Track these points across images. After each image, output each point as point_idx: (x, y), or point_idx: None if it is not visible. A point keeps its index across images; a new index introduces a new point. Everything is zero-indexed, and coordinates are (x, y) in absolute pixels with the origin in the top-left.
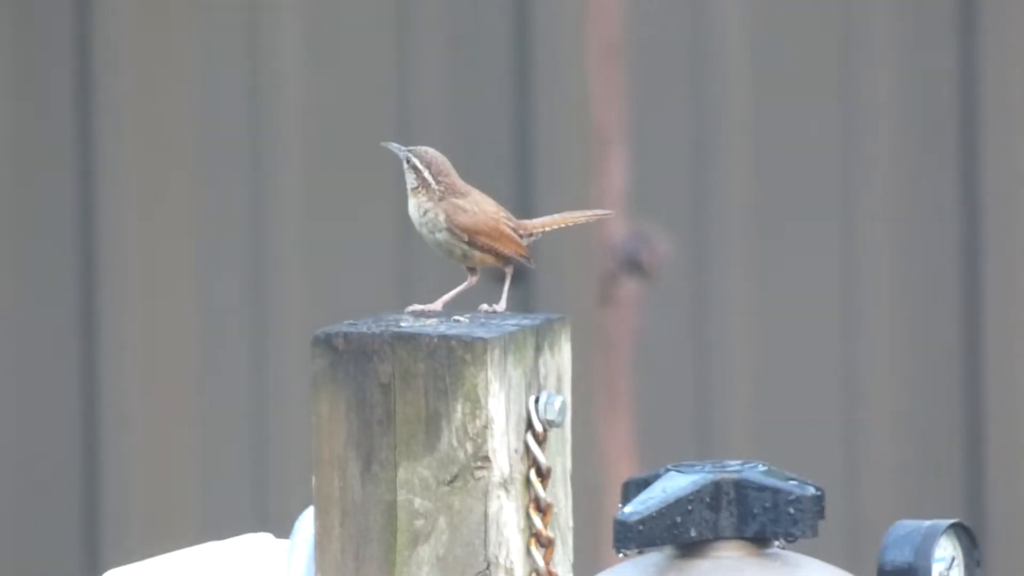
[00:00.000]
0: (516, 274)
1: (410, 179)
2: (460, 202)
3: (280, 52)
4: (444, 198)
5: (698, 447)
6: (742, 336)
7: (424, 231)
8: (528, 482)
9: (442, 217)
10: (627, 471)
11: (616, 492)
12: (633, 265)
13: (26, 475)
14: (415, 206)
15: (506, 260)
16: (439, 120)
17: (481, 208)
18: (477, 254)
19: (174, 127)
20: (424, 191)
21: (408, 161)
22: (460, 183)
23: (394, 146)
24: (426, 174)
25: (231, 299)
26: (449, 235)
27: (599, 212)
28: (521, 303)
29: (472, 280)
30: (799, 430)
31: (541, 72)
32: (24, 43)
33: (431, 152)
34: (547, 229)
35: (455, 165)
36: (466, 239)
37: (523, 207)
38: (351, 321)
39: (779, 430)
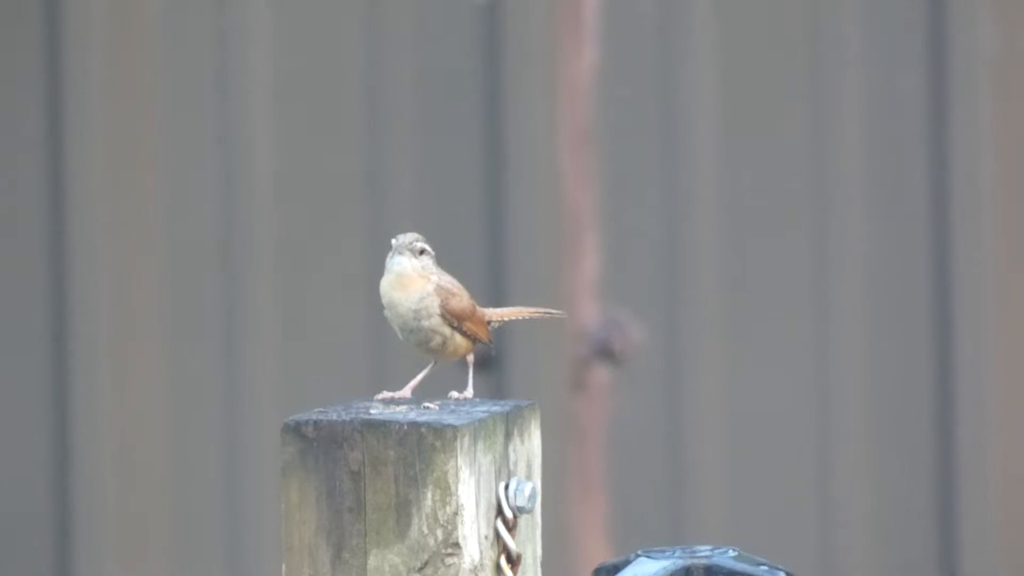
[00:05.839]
0: (478, 360)
1: (425, 265)
2: (450, 287)
3: (253, 139)
4: (437, 283)
5: (672, 532)
6: (714, 421)
7: (409, 316)
8: (499, 568)
9: (437, 302)
10: (600, 556)
11: None
12: (605, 351)
13: None
14: (417, 292)
15: (475, 345)
16: (412, 207)
17: (463, 293)
18: (458, 338)
19: (147, 211)
20: (432, 276)
21: (424, 252)
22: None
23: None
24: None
25: (203, 387)
26: (440, 320)
27: (553, 312)
28: (494, 389)
29: (433, 364)
30: (772, 514)
31: (513, 160)
32: None
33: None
34: (504, 320)
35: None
36: (455, 324)
37: (496, 293)
38: (321, 409)
39: (752, 514)
